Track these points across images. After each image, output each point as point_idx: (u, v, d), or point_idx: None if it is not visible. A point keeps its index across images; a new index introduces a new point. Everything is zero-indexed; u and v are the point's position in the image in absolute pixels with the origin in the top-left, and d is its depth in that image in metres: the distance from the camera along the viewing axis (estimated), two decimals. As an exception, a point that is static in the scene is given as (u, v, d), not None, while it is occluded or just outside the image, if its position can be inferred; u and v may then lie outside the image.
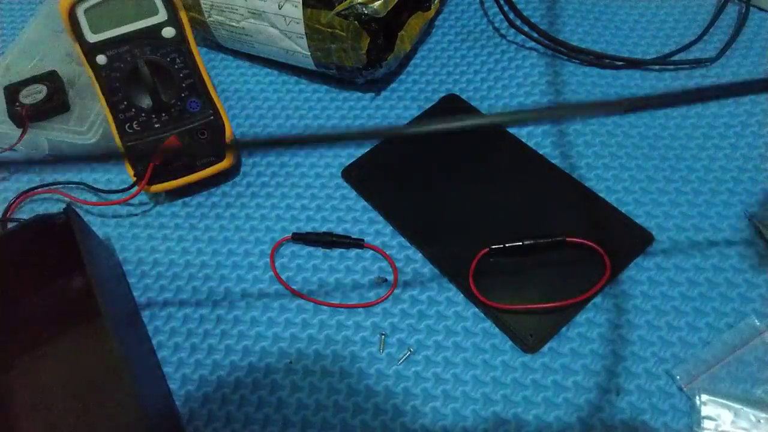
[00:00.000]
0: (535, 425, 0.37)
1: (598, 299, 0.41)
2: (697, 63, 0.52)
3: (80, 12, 0.43)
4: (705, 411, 0.36)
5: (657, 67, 0.53)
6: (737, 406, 0.36)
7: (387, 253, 0.45)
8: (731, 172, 0.46)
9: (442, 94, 0.53)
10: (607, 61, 0.53)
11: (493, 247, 0.42)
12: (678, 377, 0.38)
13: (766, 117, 0.49)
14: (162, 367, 0.41)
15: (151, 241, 0.47)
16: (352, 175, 0.49)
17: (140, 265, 0.46)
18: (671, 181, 0.46)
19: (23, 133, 0.50)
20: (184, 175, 0.47)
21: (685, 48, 0.53)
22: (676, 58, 0.53)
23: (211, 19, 0.53)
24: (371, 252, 0.45)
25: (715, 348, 0.39)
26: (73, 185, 0.50)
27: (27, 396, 0.40)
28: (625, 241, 0.43)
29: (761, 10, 0.56)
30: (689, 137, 0.49)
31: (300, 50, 0.51)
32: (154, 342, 0.42)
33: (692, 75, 0.52)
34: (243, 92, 0.56)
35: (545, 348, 0.40)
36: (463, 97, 0.53)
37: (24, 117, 0.49)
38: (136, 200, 0.50)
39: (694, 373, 0.38)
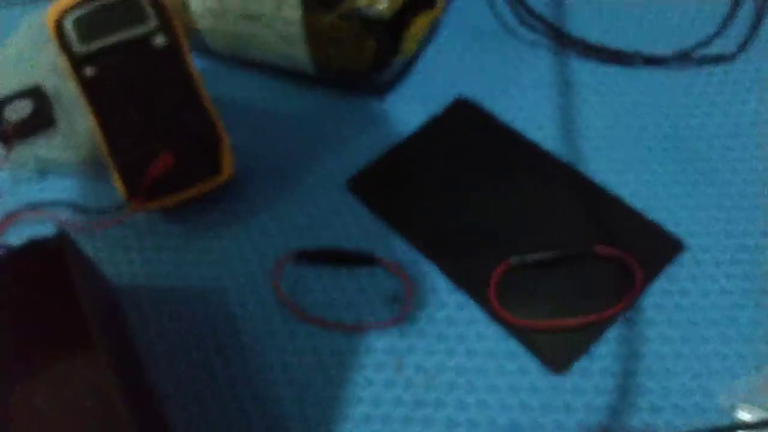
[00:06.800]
0: (569, 453, 0.35)
1: (629, 313, 0.39)
2: (718, 60, 0.50)
3: (68, 22, 0.41)
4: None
5: (677, 64, 0.51)
6: (784, 424, 0.34)
7: (400, 268, 0.42)
8: (759, 173, 0.44)
9: (452, 97, 0.51)
10: (626, 58, 0.51)
11: (515, 258, 0.40)
12: (715, 392, 0.36)
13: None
14: (161, 397, 0.39)
15: (147, 265, 0.45)
16: (359, 185, 0.47)
17: (136, 288, 0.44)
18: (698, 185, 0.44)
19: (9, 151, 0.47)
20: (180, 191, 0.45)
21: (705, 44, 0.51)
22: (695, 54, 0.51)
23: (203, 24, 0.51)
24: (382, 268, 0.43)
25: (753, 360, 0.37)
26: (63, 205, 0.47)
27: (21, 423, 0.38)
28: (653, 249, 0.41)
29: (780, 1, 0.54)
30: (714, 136, 0.47)
31: (300, 55, 0.48)
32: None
33: (714, 72, 0.50)
34: (241, 101, 0.54)
35: (575, 367, 0.37)
36: (475, 99, 0.51)
37: (10, 135, 0.47)
38: (129, 219, 0.47)
39: (731, 387, 0.36)
